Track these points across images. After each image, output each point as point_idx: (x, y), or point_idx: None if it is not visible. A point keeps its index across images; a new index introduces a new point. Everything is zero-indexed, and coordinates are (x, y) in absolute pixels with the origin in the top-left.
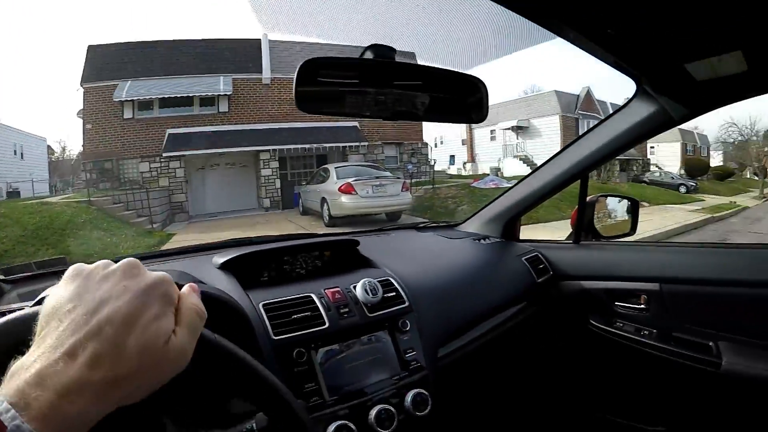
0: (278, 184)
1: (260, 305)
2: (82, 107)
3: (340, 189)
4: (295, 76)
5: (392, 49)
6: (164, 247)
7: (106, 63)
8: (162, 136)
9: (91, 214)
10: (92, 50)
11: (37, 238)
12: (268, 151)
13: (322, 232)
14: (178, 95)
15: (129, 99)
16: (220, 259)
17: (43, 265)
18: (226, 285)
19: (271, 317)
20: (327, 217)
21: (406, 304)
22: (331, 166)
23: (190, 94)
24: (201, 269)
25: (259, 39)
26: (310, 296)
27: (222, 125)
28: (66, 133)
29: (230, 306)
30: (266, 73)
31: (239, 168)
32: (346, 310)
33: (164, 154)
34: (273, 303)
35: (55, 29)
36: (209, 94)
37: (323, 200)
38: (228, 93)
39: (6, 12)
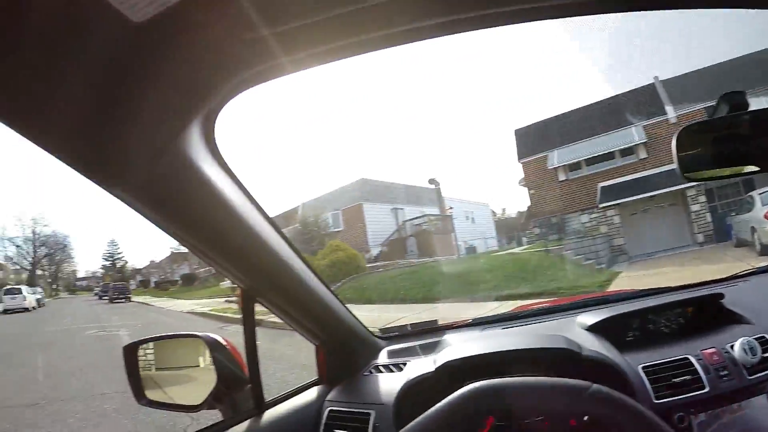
0: (709, 218)
1: (639, 368)
2: (523, 177)
3: (765, 215)
4: (674, 145)
5: (743, 93)
6: (613, 285)
7: (533, 140)
8: (595, 190)
9: (550, 260)
10: (518, 133)
11: (515, 277)
12: (694, 187)
13: (683, 284)
14: (600, 153)
15: (560, 164)
16: (587, 320)
17: (417, 326)
18: (599, 346)
19: (652, 380)
20: (758, 246)
21: None
22: (755, 193)
23: (611, 149)
24: (568, 330)
25: (652, 83)
26: (688, 358)
27: (645, 170)
28: (502, 198)
29: (613, 369)
30: (670, 113)
31: (669, 207)
32: (726, 372)
33: (600, 206)
34: (652, 365)
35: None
36: (627, 145)
37: (752, 229)
38: (643, 140)
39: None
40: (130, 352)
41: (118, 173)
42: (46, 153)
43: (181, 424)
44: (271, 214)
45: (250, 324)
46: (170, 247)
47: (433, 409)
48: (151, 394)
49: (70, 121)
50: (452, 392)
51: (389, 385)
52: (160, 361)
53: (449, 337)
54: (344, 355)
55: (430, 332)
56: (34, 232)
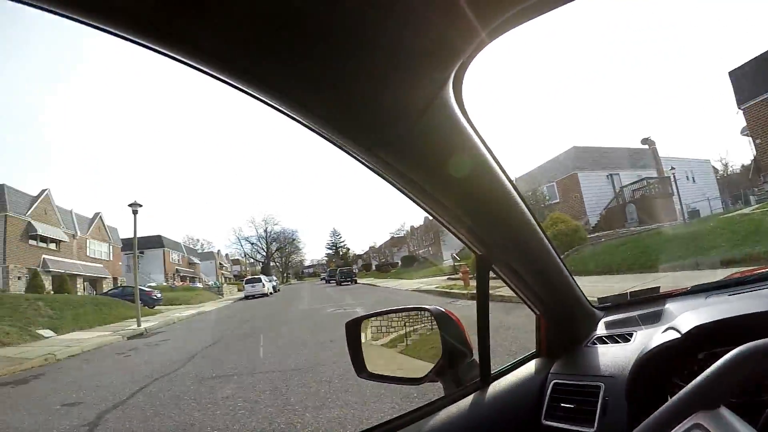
0: None
1: None
2: (745, 125)
3: None
4: None
5: None
6: None
7: (754, 79)
8: None
9: None
10: (734, 75)
11: (747, 242)
12: None
13: None
14: None
15: None
16: None
17: (636, 295)
18: None
19: None
20: None
21: None
22: None
23: None
24: None
25: None
26: None
27: None
28: (725, 151)
29: None
30: None
31: None
32: None
33: None
34: None
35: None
36: None
37: None
38: None
39: None
40: (353, 327)
41: (379, 138)
42: (309, 129)
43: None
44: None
45: (483, 292)
46: (389, 232)
47: (709, 370)
48: (373, 368)
49: (338, 93)
50: (701, 361)
51: (618, 356)
52: (382, 335)
53: (672, 306)
54: (566, 326)
55: (649, 301)
56: (266, 231)
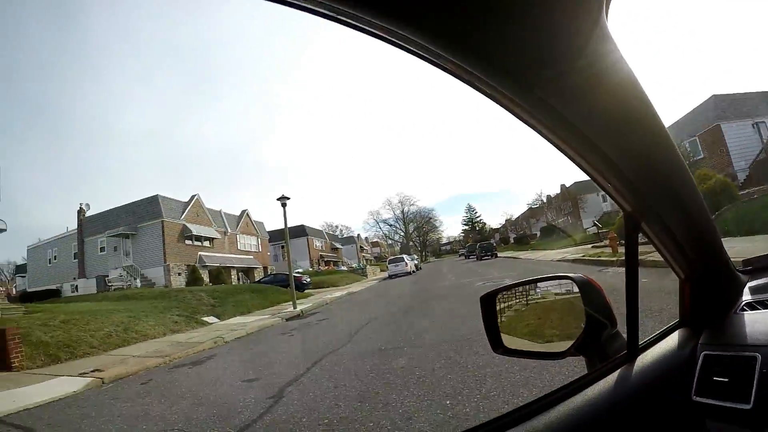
0: None
1: None
2: None
3: None
4: None
5: None
6: None
7: None
8: None
9: None
10: None
11: None
12: None
13: None
14: None
15: None
16: None
17: None
18: None
19: None
20: None
21: None
22: None
23: None
24: None
25: None
26: None
27: None
28: None
29: None
30: None
31: None
32: None
33: None
34: None
35: None
36: None
37: None
38: None
39: None
40: (488, 301)
41: (539, 76)
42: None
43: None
44: None
45: (632, 254)
46: (526, 203)
47: None
48: (510, 343)
49: (498, 30)
50: None
51: None
52: (520, 307)
53: None
54: (713, 292)
55: None
56: (402, 212)
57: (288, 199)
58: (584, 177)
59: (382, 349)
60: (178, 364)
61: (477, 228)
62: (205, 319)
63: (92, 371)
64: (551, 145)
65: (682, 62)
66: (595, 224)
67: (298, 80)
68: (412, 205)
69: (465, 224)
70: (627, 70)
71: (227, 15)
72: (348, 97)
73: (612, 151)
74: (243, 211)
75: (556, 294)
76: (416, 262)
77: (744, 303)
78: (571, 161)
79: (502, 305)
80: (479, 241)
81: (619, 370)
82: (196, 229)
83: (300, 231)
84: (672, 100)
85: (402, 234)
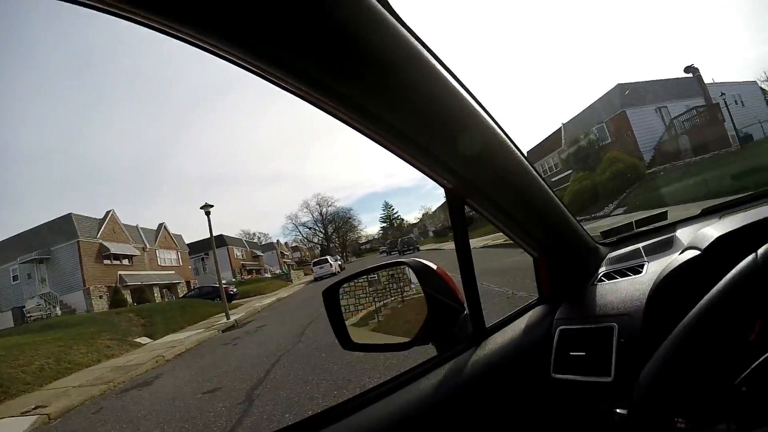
0: None
1: None
2: None
3: None
4: None
5: None
6: None
7: None
8: None
9: None
10: None
11: None
12: None
13: None
14: None
15: None
16: None
17: (641, 223)
18: None
19: None
20: None
21: None
22: None
23: None
24: None
25: None
26: None
27: None
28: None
29: None
30: None
31: None
32: None
33: None
34: None
35: None
36: None
37: None
38: None
39: None
40: (331, 295)
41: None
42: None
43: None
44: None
45: (460, 233)
46: (444, 196)
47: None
48: (358, 337)
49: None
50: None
51: (629, 291)
52: (364, 299)
53: (683, 232)
54: (568, 266)
55: (657, 231)
56: (321, 213)
57: (212, 206)
58: None
59: (336, 342)
60: (125, 388)
61: (395, 224)
62: (138, 340)
63: (34, 408)
64: (365, 138)
65: (589, 53)
66: None
67: (201, 83)
68: (330, 206)
69: (383, 221)
70: (409, 44)
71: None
72: (256, 98)
73: (419, 135)
74: (160, 225)
75: (398, 281)
76: (340, 262)
77: (601, 274)
78: (385, 149)
79: (347, 298)
80: (398, 237)
81: (467, 353)
82: (114, 247)
83: (219, 241)
84: (580, 90)
85: (322, 236)
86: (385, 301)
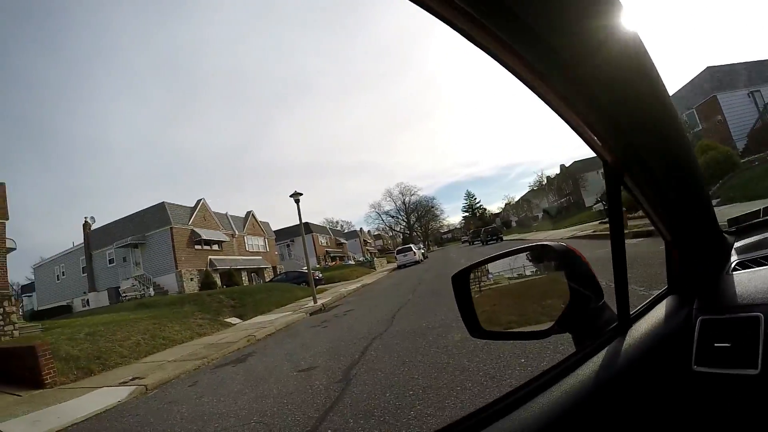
0: None
1: None
2: None
3: None
4: None
5: None
6: None
7: None
8: None
9: None
10: None
11: None
12: None
13: None
14: None
15: None
16: None
17: None
18: None
19: None
20: None
21: None
22: None
23: None
24: None
25: None
26: None
27: None
28: None
29: None
30: None
31: None
32: None
33: None
34: None
35: None
36: None
37: None
38: None
39: None
40: (460, 280)
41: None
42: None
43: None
44: None
45: (617, 213)
46: (528, 185)
47: None
48: (489, 325)
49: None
50: None
51: None
52: (497, 284)
53: None
54: (702, 254)
55: None
56: (404, 202)
57: (301, 194)
58: (582, 155)
59: (430, 327)
60: (219, 364)
61: (477, 214)
62: (228, 320)
63: (132, 380)
64: (532, 92)
65: (677, 35)
66: (599, 200)
67: (286, 78)
68: (413, 195)
69: (465, 211)
70: (623, 19)
71: (208, 17)
72: (340, 91)
73: (600, 95)
74: (248, 213)
75: (535, 267)
76: (423, 251)
77: (735, 263)
78: (550, 107)
79: (478, 284)
80: (480, 227)
81: (610, 345)
82: (205, 234)
83: (305, 228)
84: (668, 73)
85: (404, 224)
86: (519, 287)
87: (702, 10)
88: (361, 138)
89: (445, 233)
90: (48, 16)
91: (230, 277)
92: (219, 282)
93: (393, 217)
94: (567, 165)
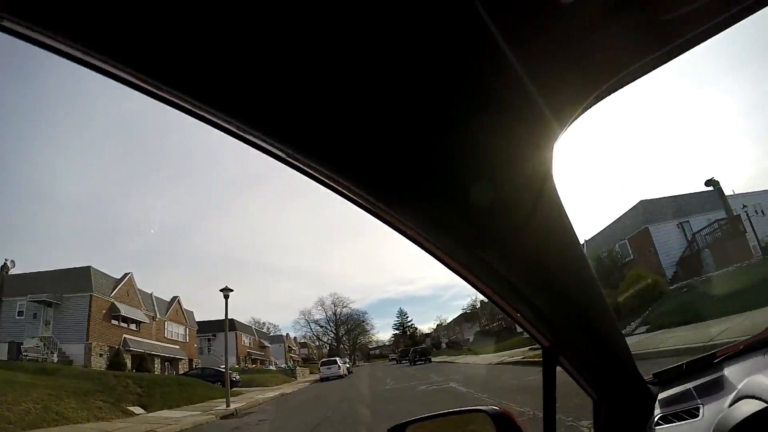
0: None
1: None
2: None
3: None
4: None
5: None
6: None
7: None
8: None
9: None
10: None
11: None
12: None
13: None
14: None
15: None
16: None
17: (692, 366)
18: None
19: None
20: None
21: None
22: None
23: None
24: None
25: None
26: None
27: None
28: None
29: None
30: None
31: None
32: None
33: None
34: None
35: None
36: None
37: None
38: None
39: None
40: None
41: (487, 238)
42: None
43: None
44: None
45: (550, 389)
46: (462, 308)
47: None
48: None
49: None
50: None
51: None
52: None
53: (731, 371)
54: (626, 409)
55: (705, 369)
56: (335, 314)
57: (231, 290)
58: None
59: None
60: None
61: (408, 333)
62: (131, 408)
63: None
64: (469, 285)
65: (612, 171)
66: None
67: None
68: (345, 306)
69: (396, 328)
70: (564, 213)
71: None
72: (286, 193)
73: (534, 292)
74: (174, 298)
75: (472, 426)
76: (348, 365)
77: (658, 417)
78: (489, 300)
79: None
80: (410, 346)
81: None
82: (125, 310)
83: (230, 325)
84: (602, 207)
85: (333, 336)
86: None
87: (636, 148)
88: (299, 242)
89: (373, 349)
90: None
91: (142, 361)
92: (129, 364)
93: (322, 327)
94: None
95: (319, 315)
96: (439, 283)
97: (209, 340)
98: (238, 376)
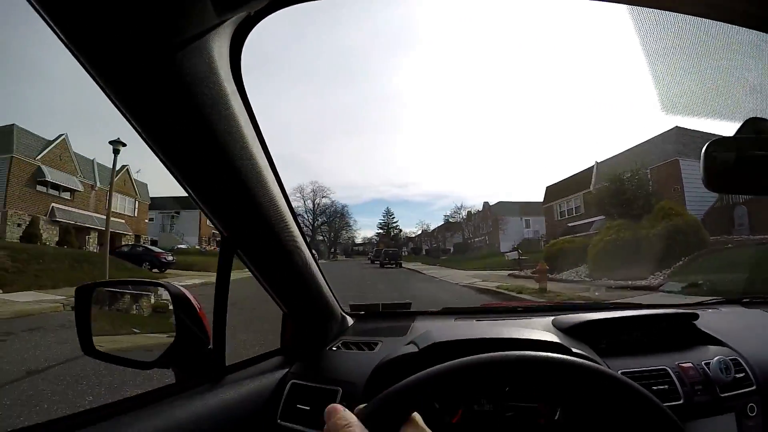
0: None
1: (620, 372)
2: None
3: None
4: (702, 157)
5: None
6: None
7: None
8: None
9: None
10: None
11: None
12: None
13: (657, 303)
14: None
15: None
16: (564, 322)
17: (387, 308)
18: (579, 348)
19: None
20: None
21: (754, 387)
22: None
23: None
24: (545, 330)
25: None
26: (666, 369)
27: None
28: None
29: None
30: None
31: None
32: (700, 387)
33: None
34: (631, 372)
35: None
36: None
37: None
38: None
39: None
40: (84, 294)
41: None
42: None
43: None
44: None
45: (224, 278)
46: (444, 215)
47: (416, 375)
48: (101, 345)
49: None
50: None
51: (359, 363)
52: (116, 309)
53: (421, 323)
54: (312, 327)
55: (400, 316)
56: (314, 203)
57: (124, 144)
58: (509, 198)
59: None
60: None
61: (392, 234)
62: None
63: None
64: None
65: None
66: (515, 249)
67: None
68: (325, 197)
69: (380, 228)
70: (234, 104)
71: None
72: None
73: (203, 172)
74: (123, 166)
75: (155, 300)
76: (317, 259)
77: (342, 341)
78: (177, 180)
79: (102, 303)
80: (392, 247)
81: (203, 387)
82: (53, 176)
83: (194, 203)
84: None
85: (309, 227)
86: (137, 317)
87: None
88: (288, 131)
89: (358, 245)
90: None
91: (66, 234)
92: (57, 237)
93: (300, 215)
94: (491, 203)
95: (297, 203)
96: (431, 191)
97: (172, 217)
98: (172, 258)
